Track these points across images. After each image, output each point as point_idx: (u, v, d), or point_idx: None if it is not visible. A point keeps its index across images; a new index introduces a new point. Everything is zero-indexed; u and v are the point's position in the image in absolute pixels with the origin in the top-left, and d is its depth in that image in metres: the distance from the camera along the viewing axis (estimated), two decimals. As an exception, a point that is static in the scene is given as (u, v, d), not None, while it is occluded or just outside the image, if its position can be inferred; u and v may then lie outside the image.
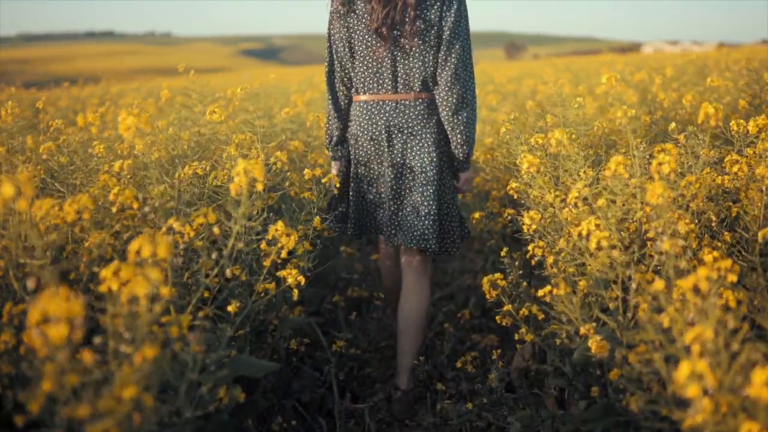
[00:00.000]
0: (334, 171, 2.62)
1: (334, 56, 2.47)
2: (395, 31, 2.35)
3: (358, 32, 2.40)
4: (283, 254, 1.66)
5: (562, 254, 1.89)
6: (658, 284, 1.21)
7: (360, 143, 2.47)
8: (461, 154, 2.44)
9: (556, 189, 2.22)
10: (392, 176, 2.43)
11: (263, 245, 1.75)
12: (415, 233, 2.41)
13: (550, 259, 1.89)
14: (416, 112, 2.41)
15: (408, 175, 2.43)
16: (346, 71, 2.47)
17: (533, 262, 1.95)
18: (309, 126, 2.92)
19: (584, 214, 1.83)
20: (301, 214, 2.36)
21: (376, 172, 2.46)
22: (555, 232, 2.04)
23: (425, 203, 2.40)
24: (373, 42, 2.38)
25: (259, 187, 1.56)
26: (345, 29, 2.41)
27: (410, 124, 2.41)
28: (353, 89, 2.49)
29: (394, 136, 2.42)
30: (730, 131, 2.35)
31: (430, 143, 2.41)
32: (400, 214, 2.44)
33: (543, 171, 2.06)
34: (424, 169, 2.40)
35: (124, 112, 1.53)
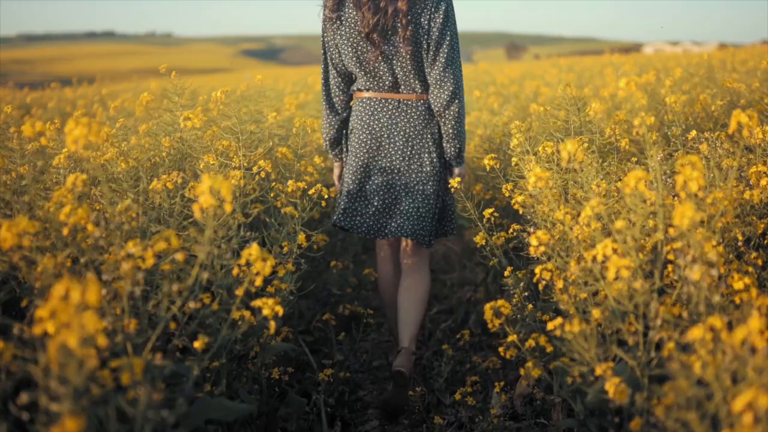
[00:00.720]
0: (336, 172, 2.67)
1: (329, 62, 2.51)
2: (387, 37, 2.38)
3: (351, 38, 2.42)
4: (258, 281, 1.45)
5: (572, 278, 1.69)
6: (696, 332, 1.01)
7: (357, 136, 2.50)
8: (453, 148, 2.49)
9: (565, 203, 2.02)
10: (387, 171, 2.47)
11: (235, 271, 1.56)
12: (409, 225, 2.45)
13: (560, 284, 1.69)
14: (419, 112, 2.47)
15: (405, 171, 2.47)
16: (343, 76, 2.52)
17: (540, 287, 1.75)
18: (295, 132, 2.72)
19: (598, 234, 1.63)
20: (288, 227, 2.18)
21: (370, 166, 2.49)
22: (564, 251, 1.84)
23: (421, 198, 2.46)
24: (367, 48, 2.41)
25: (228, 208, 1.37)
26: (339, 36, 2.44)
27: (413, 123, 2.47)
28: (355, 87, 2.53)
29: (395, 132, 2.47)
30: (753, 138, 2.16)
31: (431, 142, 2.48)
32: (395, 207, 2.48)
33: (551, 184, 1.86)
34: (423, 166, 2.47)
35: (72, 121, 1.33)
